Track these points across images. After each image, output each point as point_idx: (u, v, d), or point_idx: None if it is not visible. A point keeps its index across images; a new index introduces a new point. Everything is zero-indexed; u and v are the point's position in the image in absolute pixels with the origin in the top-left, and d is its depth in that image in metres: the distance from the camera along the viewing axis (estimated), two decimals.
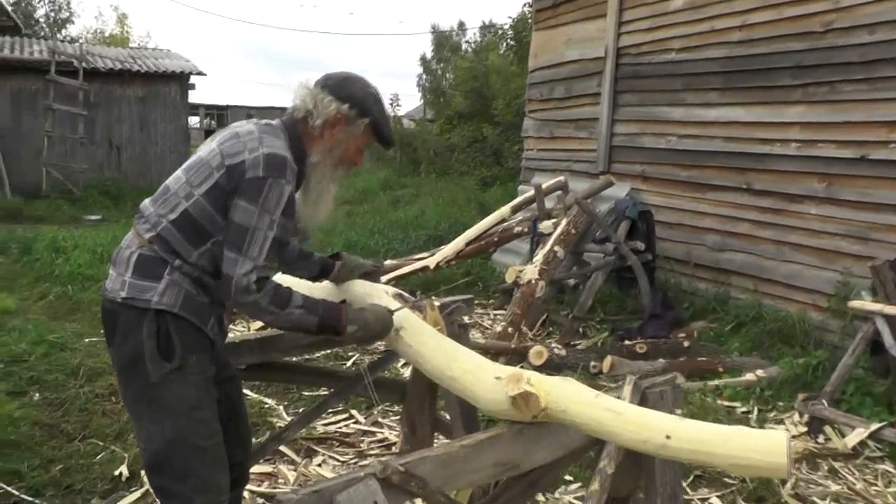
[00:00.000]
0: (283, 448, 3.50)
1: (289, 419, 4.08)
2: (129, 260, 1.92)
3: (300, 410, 4.22)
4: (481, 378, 1.79)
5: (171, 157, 15.54)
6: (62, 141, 14.29)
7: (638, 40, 7.43)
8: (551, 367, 4.88)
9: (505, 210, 7.28)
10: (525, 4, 16.83)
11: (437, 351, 1.94)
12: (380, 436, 3.87)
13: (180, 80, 15.92)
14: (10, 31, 17.33)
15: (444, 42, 28.11)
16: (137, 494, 3.12)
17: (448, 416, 3.24)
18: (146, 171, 15.43)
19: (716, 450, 1.50)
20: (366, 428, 3.96)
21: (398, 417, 4.05)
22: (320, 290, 2.31)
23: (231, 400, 2.15)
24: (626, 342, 5.58)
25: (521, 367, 4.56)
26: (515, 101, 15.16)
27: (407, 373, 4.52)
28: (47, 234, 8.51)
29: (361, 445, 3.74)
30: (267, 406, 4.23)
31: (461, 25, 29.61)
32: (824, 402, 4.21)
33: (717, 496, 3.35)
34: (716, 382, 4.82)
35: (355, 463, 3.53)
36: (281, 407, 4.27)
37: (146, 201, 2.03)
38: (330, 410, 3.75)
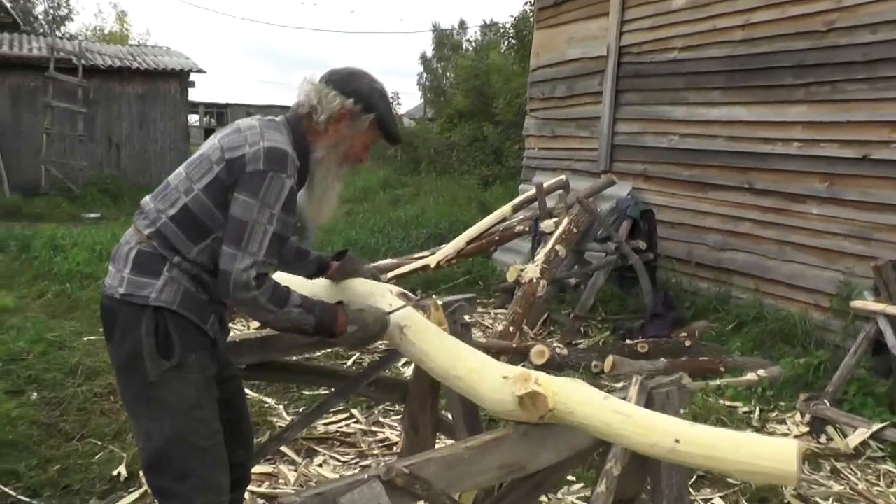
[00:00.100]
0: (283, 448, 3.47)
1: (289, 419, 4.06)
2: (128, 256, 1.90)
3: (300, 410, 4.20)
4: (487, 377, 1.77)
5: (171, 155, 15.52)
6: (61, 138, 14.26)
7: (640, 39, 7.41)
8: (553, 366, 4.86)
9: (506, 209, 7.26)
10: (526, 3, 16.82)
11: (442, 350, 1.91)
12: (381, 436, 3.85)
13: (180, 77, 15.88)
14: (9, 27, 17.29)
15: (445, 41, 28.08)
16: (136, 495, 3.10)
17: (450, 416, 3.23)
18: (146, 169, 15.41)
19: (725, 456, 1.47)
20: (367, 428, 3.93)
21: (399, 417, 4.03)
22: (323, 288, 2.28)
23: (232, 399, 2.12)
24: (628, 341, 5.56)
25: (524, 366, 4.56)
26: (516, 99, 15.16)
27: (408, 372, 4.52)
28: (46, 232, 8.48)
29: (362, 445, 3.71)
30: (267, 405, 4.21)
31: (462, 24, 29.62)
32: (826, 402, 4.19)
33: (721, 496, 3.34)
34: (717, 382, 4.80)
35: (356, 463, 3.50)
36: (281, 406, 4.24)
37: (147, 197, 2.00)
38: (330, 410, 3.72)
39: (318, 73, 2.05)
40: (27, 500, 3.05)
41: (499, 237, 7.14)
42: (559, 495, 3.24)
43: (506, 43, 19.66)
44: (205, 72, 16.41)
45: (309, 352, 3.27)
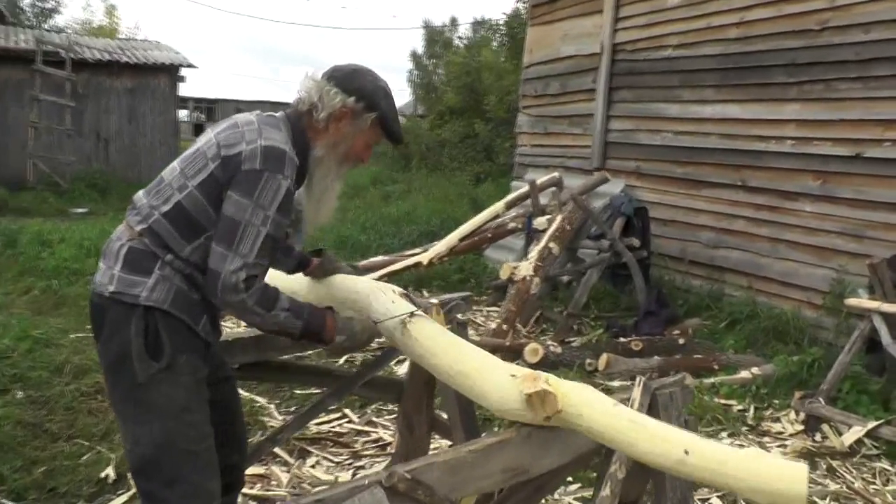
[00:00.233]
0: (275, 449, 3.41)
1: (280, 418, 4.00)
2: (119, 253, 1.84)
3: (292, 409, 4.15)
4: (495, 375, 1.72)
5: (161, 150, 15.41)
6: (49, 132, 14.11)
7: (634, 36, 7.39)
8: (547, 364, 4.82)
9: (499, 206, 7.21)
10: (519, 1, 16.78)
11: (448, 347, 1.87)
12: (374, 435, 3.80)
13: (170, 72, 15.75)
14: None
15: (437, 38, 27.99)
16: (125, 498, 3.02)
17: (444, 416, 3.19)
18: (135, 164, 15.27)
19: (734, 473, 1.45)
20: (360, 427, 3.88)
21: (392, 416, 3.99)
22: (322, 287, 2.23)
23: (226, 401, 2.06)
24: (622, 339, 5.55)
25: (518, 364, 4.52)
26: (507, 96, 15.12)
27: (400, 371, 4.47)
28: (33, 227, 8.37)
29: (356, 446, 3.66)
30: (258, 405, 4.14)
31: (453, 21, 29.51)
32: (821, 400, 4.18)
33: (718, 497, 3.31)
34: (712, 380, 4.79)
35: (350, 464, 3.45)
36: (272, 405, 4.18)
37: (140, 192, 1.94)
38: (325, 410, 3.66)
39: (319, 69, 1.99)
40: (11, 503, 2.97)
41: (492, 234, 7.09)
42: (556, 496, 3.21)
43: (498, 39, 19.60)
44: (195, 66, 16.31)
45: (305, 350, 3.22)
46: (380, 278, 5.94)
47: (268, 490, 3.13)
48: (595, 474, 3.19)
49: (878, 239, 5.15)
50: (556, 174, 7.37)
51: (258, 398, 4.24)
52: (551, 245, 6.05)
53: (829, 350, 4.95)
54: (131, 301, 1.78)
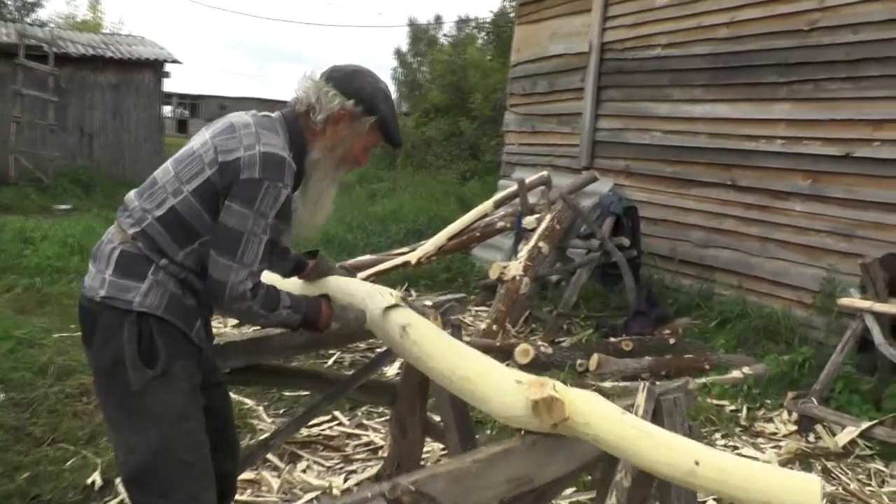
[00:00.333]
0: None
1: (269, 420, 3.94)
2: (111, 256, 1.78)
3: (281, 411, 4.08)
4: (498, 381, 1.68)
5: (145, 147, 15.26)
6: (31, 127, 13.87)
7: (623, 35, 7.37)
8: (538, 365, 4.79)
9: (488, 205, 7.16)
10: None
11: (448, 351, 1.82)
12: (365, 439, 3.73)
13: (155, 67, 15.58)
14: None
15: (421, 35, 27.92)
16: None
17: (437, 418, 3.14)
18: (119, 160, 15.10)
19: (745, 485, 1.41)
20: (350, 430, 3.82)
21: (383, 419, 3.93)
22: (320, 291, 2.18)
23: (219, 407, 2.01)
24: (612, 339, 5.52)
25: (508, 365, 4.48)
26: (493, 95, 15.08)
27: (389, 372, 4.42)
28: (15, 224, 8.19)
29: (346, 449, 3.60)
30: (247, 407, 4.07)
31: (438, 19, 29.43)
32: (814, 400, 4.17)
33: (714, 498, 3.28)
34: (703, 380, 4.78)
35: (341, 468, 3.39)
36: (261, 408, 4.11)
37: (131, 193, 1.88)
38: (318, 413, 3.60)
39: (318, 69, 1.93)
40: None
41: (480, 233, 7.05)
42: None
43: (484, 36, 19.55)
44: (180, 62, 16.14)
45: (298, 354, 3.16)
46: (368, 278, 5.89)
47: (258, 496, 3.05)
48: (589, 477, 3.16)
49: (868, 238, 5.17)
50: (544, 173, 7.33)
51: (246, 400, 4.17)
52: (541, 244, 6.02)
53: (819, 349, 4.95)
54: (124, 307, 1.73)
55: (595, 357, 4.91)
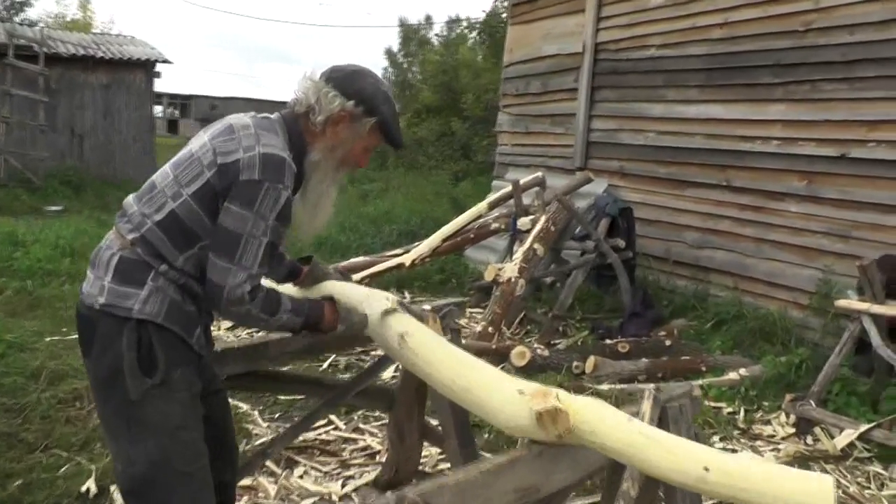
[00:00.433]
0: None
1: (265, 425, 3.90)
2: (110, 262, 1.74)
3: (276, 416, 4.04)
4: (500, 391, 1.65)
5: (136, 147, 15.19)
6: (21, 127, 13.76)
7: (617, 36, 7.36)
8: (534, 367, 4.77)
9: (482, 206, 7.13)
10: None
11: (448, 360, 1.79)
12: (362, 443, 3.70)
13: (146, 67, 15.50)
14: None
15: (412, 35, 27.88)
16: None
17: (435, 422, 3.11)
18: (110, 161, 15.01)
19: (758, 488, 1.37)
20: (347, 435, 3.78)
21: (380, 423, 3.90)
22: (316, 296, 2.15)
23: (218, 416, 1.97)
24: (608, 341, 5.51)
25: (503, 367, 4.45)
26: (485, 95, 15.06)
27: (384, 376, 4.38)
28: (5, 226, 8.11)
29: (344, 454, 3.56)
30: (242, 411, 4.02)
31: (428, 19, 29.43)
32: (812, 402, 4.16)
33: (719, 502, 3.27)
34: (700, 382, 4.76)
35: (338, 473, 3.35)
36: (256, 412, 4.07)
37: (129, 198, 1.84)
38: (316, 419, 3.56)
39: (318, 69, 1.90)
40: None
41: (474, 235, 7.01)
42: None
43: (475, 36, 19.53)
44: (171, 62, 16.05)
45: (297, 360, 3.12)
46: (362, 280, 5.85)
47: (255, 502, 3.02)
48: (589, 482, 3.14)
49: (864, 239, 5.17)
50: (539, 174, 7.30)
51: (241, 404, 4.12)
52: (536, 246, 5.99)
53: (815, 350, 4.95)
54: (123, 314, 1.70)
55: (592, 359, 4.89)
